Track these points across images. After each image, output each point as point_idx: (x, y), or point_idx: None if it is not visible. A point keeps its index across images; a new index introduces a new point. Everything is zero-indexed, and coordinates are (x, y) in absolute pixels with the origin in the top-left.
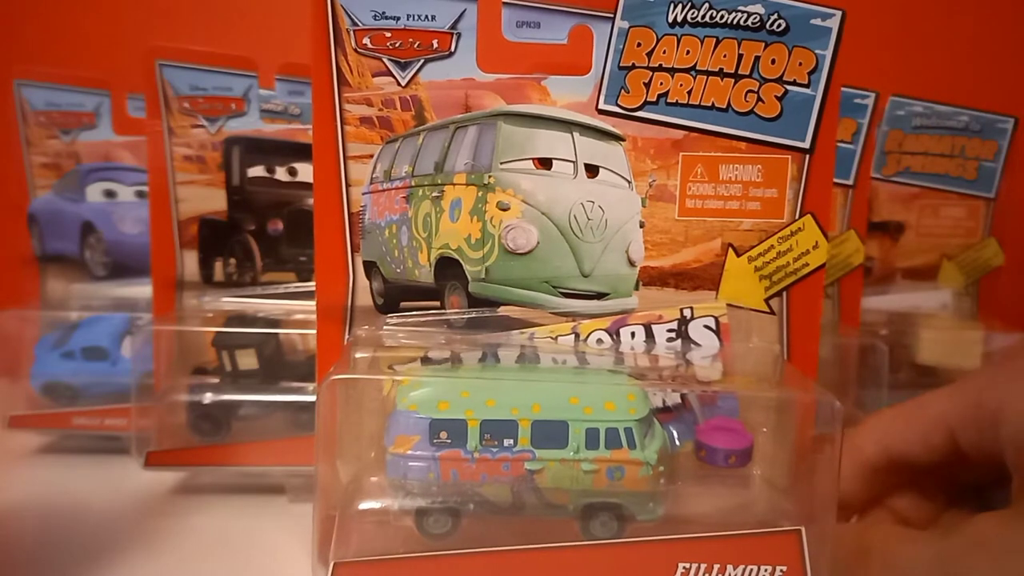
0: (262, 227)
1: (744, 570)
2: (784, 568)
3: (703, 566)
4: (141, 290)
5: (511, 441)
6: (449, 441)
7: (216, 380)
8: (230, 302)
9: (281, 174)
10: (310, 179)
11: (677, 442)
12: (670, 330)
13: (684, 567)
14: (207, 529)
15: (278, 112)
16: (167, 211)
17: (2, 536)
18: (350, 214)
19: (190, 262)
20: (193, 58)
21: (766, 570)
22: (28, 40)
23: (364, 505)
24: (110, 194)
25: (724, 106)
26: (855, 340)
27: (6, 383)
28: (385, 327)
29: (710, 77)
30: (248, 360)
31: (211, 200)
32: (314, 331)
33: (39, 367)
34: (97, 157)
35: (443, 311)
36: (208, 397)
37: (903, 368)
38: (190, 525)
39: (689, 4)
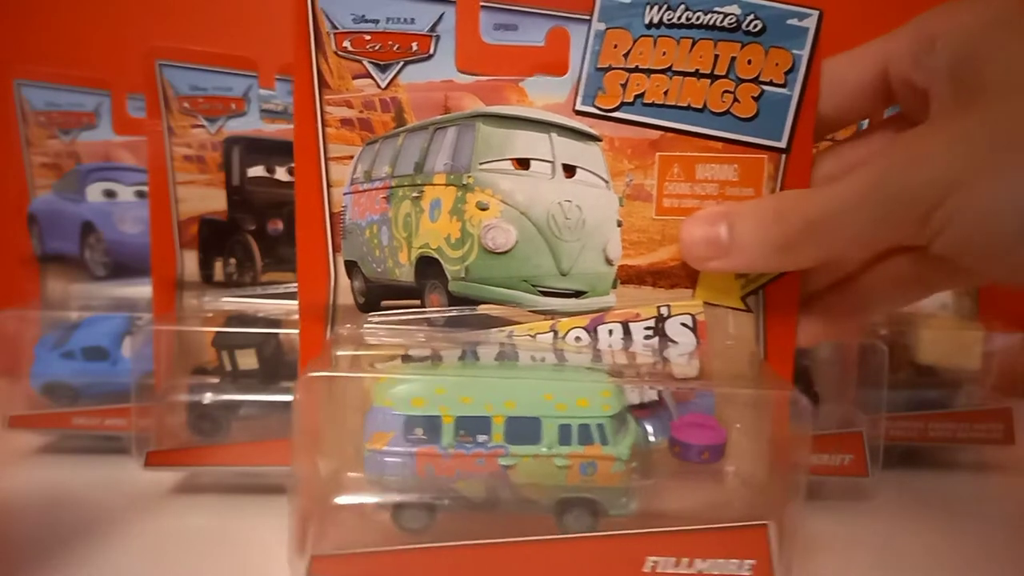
0: (262, 227)
1: (713, 563)
2: (752, 562)
3: (672, 559)
4: (141, 290)
5: (485, 437)
6: (424, 437)
7: (216, 380)
8: (230, 302)
9: (281, 174)
10: None
11: (652, 438)
12: (647, 328)
13: (653, 560)
14: (207, 529)
15: (278, 112)
16: (167, 211)
17: (2, 536)
18: (331, 214)
19: (190, 262)
20: (193, 58)
21: (734, 563)
22: (28, 40)
23: (342, 500)
24: (110, 194)
25: (700, 106)
26: (855, 340)
27: (6, 383)
28: (366, 325)
29: (686, 78)
30: (248, 360)
31: (211, 200)
32: None
33: (39, 367)
34: (97, 157)
35: (423, 310)
36: (208, 397)
37: (903, 368)
38: (190, 525)
39: (665, 6)
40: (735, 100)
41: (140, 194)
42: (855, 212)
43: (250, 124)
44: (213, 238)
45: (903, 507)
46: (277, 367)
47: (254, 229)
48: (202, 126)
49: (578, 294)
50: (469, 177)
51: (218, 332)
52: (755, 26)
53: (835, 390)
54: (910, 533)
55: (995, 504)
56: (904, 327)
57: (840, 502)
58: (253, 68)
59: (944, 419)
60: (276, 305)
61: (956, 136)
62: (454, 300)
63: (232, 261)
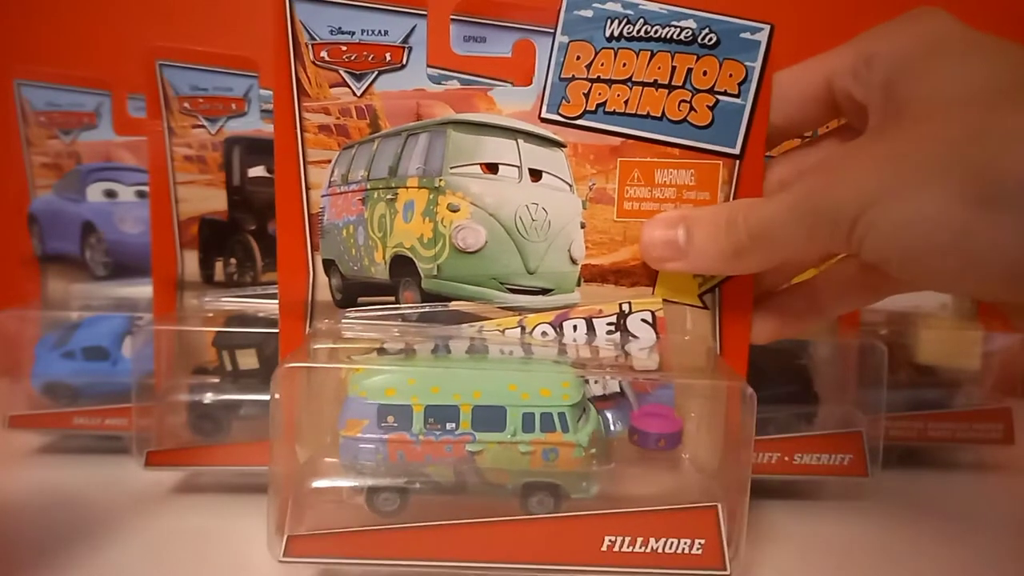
0: (262, 227)
1: (665, 543)
2: (702, 541)
3: (627, 538)
4: (142, 290)
5: (453, 425)
6: (396, 425)
7: (216, 380)
8: (230, 302)
9: None
10: None
11: (612, 427)
12: (610, 324)
13: (611, 539)
14: (207, 529)
15: None
16: (167, 211)
17: (2, 536)
18: (310, 215)
19: (190, 262)
20: (193, 58)
21: (685, 543)
22: (28, 40)
23: (318, 484)
24: (111, 194)
25: (659, 115)
26: (855, 340)
27: (6, 383)
28: (343, 321)
29: (645, 88)
30: (248, 360)
31: (211, 200)
32: None
33: (39, 367)
34: (97, 157)
35: (398, 306)
36: (208, 397)
37: (903, 368)
38: (190, 525)
39: (625, 20)
40: (691, 109)
41: (140, 194)
42: (789, 224)
43: (250, 124)
44: (214, 238)
45: (903, 507)
46: (277, 367)
47: (254, 229)
48: (202, 126)
49: (544, 291)
50: (441, 180)
51: (219, 332)
52: (710, 39)
53: (835, 390)
54: (910, 533)
55: (995, 504)
56: (904, 327)
57: (840, 502)
58: (253, 68)
59: (944, 419)
60: (276, 305)
61: (875, 155)
62: (427, 297)
63: (232, 261)
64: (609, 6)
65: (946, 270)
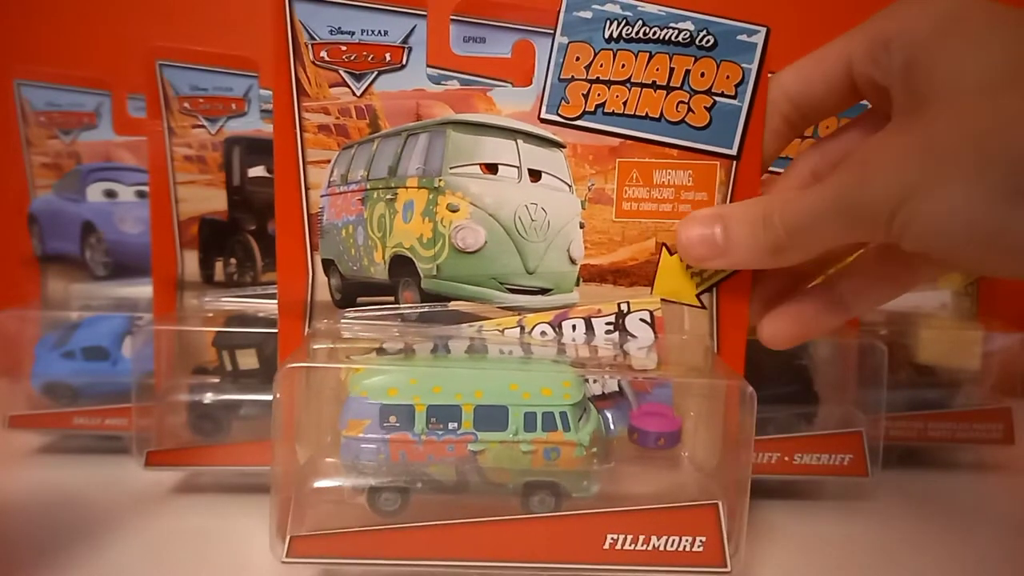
0: (262, 227)
1: (667, 540)
2: (703, 538)
3: (629, 537)
4: (142, 290)
5: (455, 424)
6: (398, 424)
7: (216, 380)
8: (230, 302)
9: None
10: None
11: (612, 426)
12: (608, 323)
13: (612, 538)
14: (207, 529)
15: None
16: (167, 211)
17: (2, 536)
18: (309, 215)
19: (191, 262)
20: (193, 58)
21: (687, 540)
22: (28, 40)
23: (320, 484)
24: (110, 194)
25: (657, 116)
26: (854, 340)
27: (6, 383)
28: (343, 320)
29: (644, 89)
30: (248, 360)
31: (211, 200)
32: None
33: (39, 367)
34: (97, 157)
35: (397, 306)
36: (208, 397)
37: (903, 368)
38: (190, 525)
39: (624, 21)
40: (689, 110)
41: (140, 194)
42: (827, 219)
43: (250, 124)
44: (213, 238)
45: (903, 507)
46: (277, 367)
47: (254, 229)
48: (202, 126)
49: (543, 291)
50: (440, 180)
51: (219, 332)
52: (707, 41)
53: (835, 390)
54: (910, 533)
55: (995, 504)
56: (904, 327)
57: (840, 502)
58: (253, 68)
59: (944, 419)
60: (276, 305)
61: (906, 146)
62: (426, 297)
63: (232, 261)
64: (608, 7)
65: (986, 259)
